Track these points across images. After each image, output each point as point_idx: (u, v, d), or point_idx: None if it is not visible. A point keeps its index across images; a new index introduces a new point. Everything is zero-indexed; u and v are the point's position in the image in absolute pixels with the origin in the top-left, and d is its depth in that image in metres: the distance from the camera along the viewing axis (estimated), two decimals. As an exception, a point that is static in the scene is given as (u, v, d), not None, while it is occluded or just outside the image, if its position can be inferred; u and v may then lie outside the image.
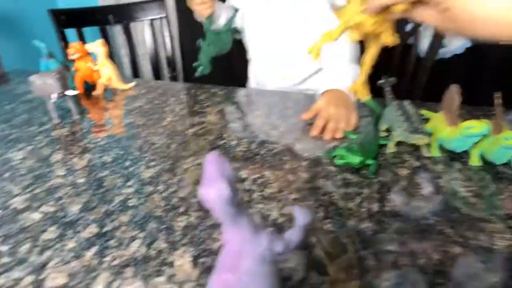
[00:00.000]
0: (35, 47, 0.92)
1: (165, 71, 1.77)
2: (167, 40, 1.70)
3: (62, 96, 0.75)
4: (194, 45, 1.09)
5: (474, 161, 0.56)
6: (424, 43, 1.21)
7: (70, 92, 0.74)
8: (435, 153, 0.58)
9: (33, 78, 0.73)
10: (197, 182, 0.55)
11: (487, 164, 0.55)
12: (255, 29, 1.02)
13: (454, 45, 1.29)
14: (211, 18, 0.93)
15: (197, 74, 0.95)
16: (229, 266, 0.27)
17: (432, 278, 0.38)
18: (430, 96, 0.75)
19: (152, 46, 1.70)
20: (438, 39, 1.09)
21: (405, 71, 1.19)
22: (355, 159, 0.53)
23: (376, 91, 0.66)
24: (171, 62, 1.73)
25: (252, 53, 1.05)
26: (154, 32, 1.68)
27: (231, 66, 1.37)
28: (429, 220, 0.45)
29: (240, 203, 0.27)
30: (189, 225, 0.46)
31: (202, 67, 0.93)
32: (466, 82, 1.32)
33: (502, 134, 0.51)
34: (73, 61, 0.90)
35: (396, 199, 0.49)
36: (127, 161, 0.61)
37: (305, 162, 0.58)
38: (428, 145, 0.58)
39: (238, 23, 1.03)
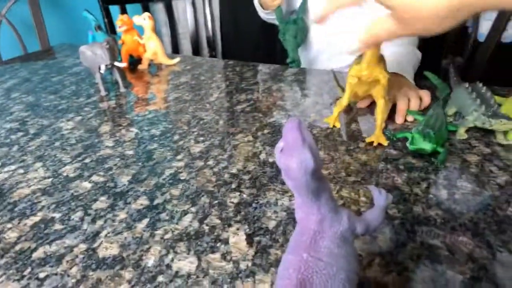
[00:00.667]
0: (81, 21, 0.92)
1: (205, 51, 1.75)
2: (208, 19, 1.68)
3: (110, 67, 0.74)
4: (234, 26, 1.06)
5: (555, 150, 0.50)
6: (483, 26, 1.13)
7: (119, 64, 0.74)
8: (512, 139, 0.53)
9: (83, 49, 0.73)
10: (247, 159, 0.52)
11: None
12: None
13: (517, 29, 1.19)
14: (279, 8, 0.90)
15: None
16: (306, 246, 0.24)
17: (517, 274, 0.34)
18: (489, 81, 0.69)
19: (193, 25, 1.68)
20: (501, 22, 1.00)
21: (460, 54, 1.11)
22: (428, 146, 0.49)
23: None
24: (211, 42, 1.71)
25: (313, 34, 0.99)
26: (195, 11, 1.66)
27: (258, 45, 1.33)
28: (507, 211, 0.41)
29: (322, 177, 0.24)
30: (242, 202, 0.44)
31: (296, 61, 0.90)
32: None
33: None
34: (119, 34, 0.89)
35: (467, 187, 0.45)
36: (175, 135, 0.60)
37: (362, 143, 0.55)
38: (503, 132, 0.53)
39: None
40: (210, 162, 0.52)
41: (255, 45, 1.52)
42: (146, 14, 0.88)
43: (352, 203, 0.43)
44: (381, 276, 0.34)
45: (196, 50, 1.71)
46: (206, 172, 0.50)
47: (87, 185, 0.49)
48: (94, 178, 0.50)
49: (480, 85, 0.55)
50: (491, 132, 0.55)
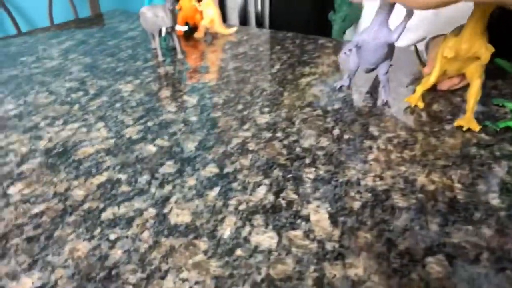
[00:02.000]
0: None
1: (252, 26, 1.71)
2: (259, -7, 1.62)
3: (171, 31, 0.71)
4: (283, 3, 1.01)
5: None
6: None
7: (180, 28, 0.70)
8: None
9: (144, 9, 0.70)
10: (320, 134, 0.48)
11: None
12: None
13: None
14: None
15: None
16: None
17: None
18: None
19: (242, 1, 1.64)
20: None
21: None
22: None
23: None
24: (259, 17, 1.66)
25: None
26: (245, -15, 1.61)
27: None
28: None
29: None
30: (319, 179, 0.40)
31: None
32: None
33: None
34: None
35: None
36: (239, 105, 0.56)
37: (448, 125, 0.49)
38: None
39: None
40: (279, 135, 0.48)
41: (305, 22, 1.45)
42: (206, -21, 0.84)
43: (446, 189, 0.38)
44: (493, 273, 0.29)
45: (244, 25, 1.66)
46: (276, 144, 0.46)
47: (152, 148, 0.46)
48: (159, 142, 0.48)
49: None
50: None
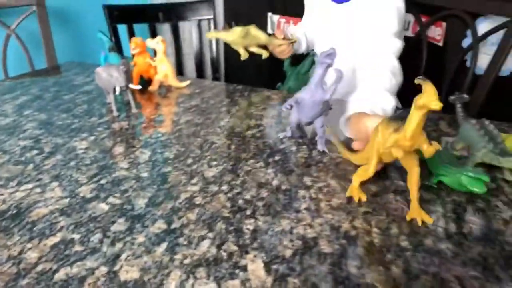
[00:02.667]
0: (89, 40, 0.94)
1: (208, 71, 1.79)
2: (213, 41, 1.71)
3: (125, 89, 0.76)
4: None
5: (557, 187, 0.52)
6: (482, 60, 1.17)
7: (133, 86, 0.75)
8: (518, 177, 0.55)
9: (99, 70, 0.75)
10: (260, 185, 0.54)
11: None
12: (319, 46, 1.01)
13: (511, 63, 1.23)
14: (289, 59, 0.94)
15: None
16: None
17: (527, 310, 0.35)
18: (487, 114, 0.71)
19: (197, 46, 1.72)
20: (502, 56, 1.05)
21: (460, 88, 1.15)
22: (481, 187, 0.51)
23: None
24: (214, 63, 1.75)
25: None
26: (200, 32, 1.70)
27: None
28: (514, 247, 0.42)
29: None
30: (257, 229, 0.45)
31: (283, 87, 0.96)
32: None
33: None
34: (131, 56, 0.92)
35: (475, 221, 0.47)
36: (189, 159, 0.61)
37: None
38: (511, 169, 0.55)
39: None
40: (224, 187, 0.53)
41: (259, 67, 1.55)
42: (160, 37, 0.91)
43: (365, 234, 0.44)
44: (397, 308, 0.35)
45: (200, 70, 1.74)
46: (221, 197, 0.51)
47: (104, 206, 0.50)
48: (111, 199, 0.51)
49: (487, 122, 0.57)
50: (497, 168, 0.57)
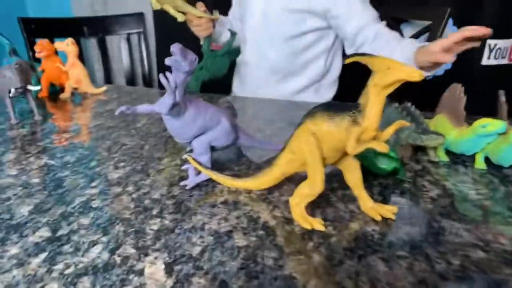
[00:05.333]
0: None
1: (140, 85, 1.70)
2: (144, 55, 1.64)
3: (22, 91, 0.66)
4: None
5: (480, 164, 0.51)
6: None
7: (32, 87, 0.66)
8: (443, 157, 0.53)
9: (-11, 71, 0.65)
10: (173, 183, 0.47)
11: (493, 167, 0.51)
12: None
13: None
14: (209, 39, 0.92)
15: None
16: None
17: (454, 284, 0.31)
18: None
19: (127, 61, 1.63)
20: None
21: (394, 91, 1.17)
22: (392, 165, 0.47)
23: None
24: (146, 79, 1.67)
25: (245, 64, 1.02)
26: (130, 47, 1.63)
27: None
28: (442, 223, 0.40)
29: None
30: (163, 229, 0.39)
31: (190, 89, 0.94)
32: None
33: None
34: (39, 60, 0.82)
35: (401, 201, 0.44)
36: (92, 162, 0.53)
37: (296, 163, 0.52)
38: (434, 149, 0.54)
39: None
40: (130, 188, 0.46)
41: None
42: (70, 39, 0.82)
43: (286, 223, 0.39)
44: (317, 298, 0.30)
45: (132, 85, 1.65)
46: (124, 198, 0.44)
47: (-26, 218, 0.40)
48: (-15, 210, 0.42)
49: (409, 104, 0.56)
50: (422, 150, 0.55)
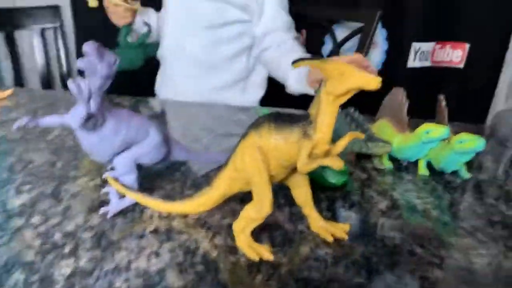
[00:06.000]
0: None
1: (58, 88, 1.53)
2: (62, 54, 1.48)
3: None
4: None
5: (423, 170, 0.50)
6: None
7: None
8: (388, 164, 0.51)
9: None
10: (92, 209, 0.40)
11: (435, 174, 0.50)
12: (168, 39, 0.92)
13: (373, 61, 1.32)
14: (127, 28, 0.86)
15: None
16: None
17: (421, 315, 0.29)
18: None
19: (42, 60, 1.46)
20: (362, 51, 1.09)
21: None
22: (341, 179, 0.44)
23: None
24: (65, 80, 1.50)
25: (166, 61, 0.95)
26: (45, 44, 1.45)
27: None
28: (395, 240, 0.37)
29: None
30: (77, 272, 0.31)
31: None
32: (373, 104, 1.36)
33: (455, 138, 0.46)
34: None
35: (352, 216, 0.40)
36: (-13, 186, 0.43)
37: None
38: (378, 156, 0.52)
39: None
40: (35, 219, 0.38)
41: (118, 80, 1.38)
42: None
43: (229, 252, 0.34)
44: None
45: (47, 87, 1.48)
46: (27, 234, 0.35)
47: None
48: None
49: (352, 109, 0.54)
50: (367, 158, 0.53)
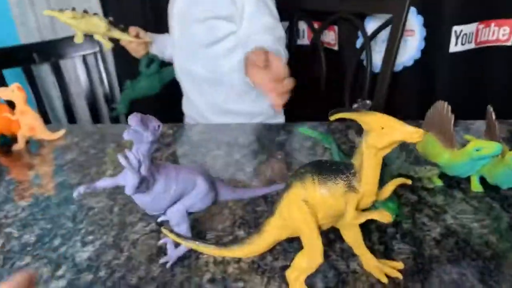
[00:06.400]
0: None
1: (104, 110, 1.61)
2: (104, 76, 1.55)
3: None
4: (133, 78, 1.01)
5: (476, 187, 0.48)
6: (376, 58, 1.18)
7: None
8: (438, 182, 0.50)
9: None
10: (151, 258, 0.42)
11: (490, 189, 0.48)
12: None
13: (404, 57, 1.28)
14: (145, 58, 0.96)
15: (114, 114, 1.10)
16: None
17: None
18: (390, 111, 0.69)
19: (87, 84, 1.54)
20: (392, 51, 1.06)
21: (361, 89, 1.15)
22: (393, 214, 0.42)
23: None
24: (109, 100, 1.58)
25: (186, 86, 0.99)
26: (88, 69, 1.53)
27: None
28: (453, 275, 0.36)
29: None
30: (146, 330, 0.33)
31: (119, 107, 1.00)
32: (416, 95, 1.30)
33: (509, 155, 0.44)
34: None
35: (405, 249, 0.40)
36: (56, 239, 0.47)
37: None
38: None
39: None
40: (102, 273, 0.41)
41: (157, 94, 1.43)
42: (15, 85, 0.74)
43: None
44: None
45: (94, 111, 1.56)
46: (97, 290, 0.38)
47: None
48: None
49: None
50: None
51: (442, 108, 0.50)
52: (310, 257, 0.34)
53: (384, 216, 0.31)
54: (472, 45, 1.25)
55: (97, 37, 0.90)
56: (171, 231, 0.41)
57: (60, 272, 0.41)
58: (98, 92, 1.59)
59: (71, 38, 1.48)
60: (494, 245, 0.39)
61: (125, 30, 0.93)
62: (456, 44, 1.24)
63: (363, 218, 0.32)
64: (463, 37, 1.24)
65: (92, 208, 0.53)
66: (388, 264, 0.37)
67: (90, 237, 0.47)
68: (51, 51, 1.48)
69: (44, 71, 1.59)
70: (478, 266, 0.37)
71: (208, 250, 0.40)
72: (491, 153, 0.44)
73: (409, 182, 0.34)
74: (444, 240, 0.41)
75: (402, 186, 0.50)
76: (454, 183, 0.50)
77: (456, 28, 1.22)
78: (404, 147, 0.50)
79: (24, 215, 0.53)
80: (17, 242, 0.47)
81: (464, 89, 1.25)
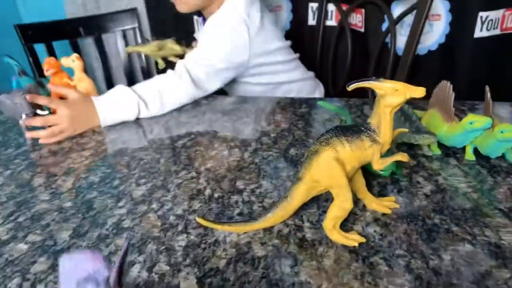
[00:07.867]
0: (5, 64, 0.87)
1: (141, 81, 1.73)
2: (141, 50, 1.66)
3: (33, 116, 0.71)
4: None
5: (470, 156, 0.56)
6: (400, 41, 1.23)
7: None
8: (436, 151, 0.58)
9: (2, 98, 0.69)
10: (192, 197, 0.53)
11: (482, 158, 0.56)
12: None
13: (429, 41, 1.32)
14: None
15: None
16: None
17: (446, 278, 0.37)
18: None
19: (126, 58, 1.66)
20: (415, 36, 1.11)
21: (384, 70, 1.21)
22: (388, 170, 0.52)
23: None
24: (145, 72, 1.70)
25: None
26: (126, 43, 1.64)
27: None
28: (435, 219, 0.45)
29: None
30: (189, 244, 0.44)
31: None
32: (440, 78, 1.35)
33: (497, 128, 0.51)
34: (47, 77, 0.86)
35: (398, 200, 0.49)
36: (115, 180, 0.58)
37: (301, 168, 0.57)
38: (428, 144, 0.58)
39: None
40: (154, 206, 0.51)
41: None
42: (75, 55, 0.85)
43: (297, 230, 0.45)
44: (330, 301, 0.36)
45: (131, 82, 1.68)
46: (151, 216, 0.49)
47: (22, 247, 0.46)
48: (31, 237, 0.47)
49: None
50: (417, 145, 0.60)
51: (445, 87, 0.58)
52: (342, 206, 0.42)
53: (403, 157, 0.42)
54: (497, 31, 1.28)
55: (171, 58, 0.97)
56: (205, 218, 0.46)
57: (120, 204, 0.53)
58: (136, 66, 1.71)
59: (113, 13, 1.62)
60: (474, 201, 0.48)
61: (189, 45, 1.00)
62: (482, 29, 1.27)
63: (389, 161, 0.42)
64: (488, 23, 1.27)
65: (143, 159, 0.64)
66: (385, 200, 0.47)
67: (143, 180, 0.58)
68: (95, 25, 1.60)
69: (88, 44, 1.72)
70: (457, 214, 0.45)
71: (242, 228, 0.45)
72: (482, 126, 0.52)
73: (406, 131, 0.44)
74: (433, 195, 0.49)
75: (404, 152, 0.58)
76: (451, 153, 0.58)
77: (482, 14, 1.24)
78: (408, 118, 0.58)
79: (87, 162, 0.65)
80: (85, 182, 0.59)
81: (486, 74, 1.29)
